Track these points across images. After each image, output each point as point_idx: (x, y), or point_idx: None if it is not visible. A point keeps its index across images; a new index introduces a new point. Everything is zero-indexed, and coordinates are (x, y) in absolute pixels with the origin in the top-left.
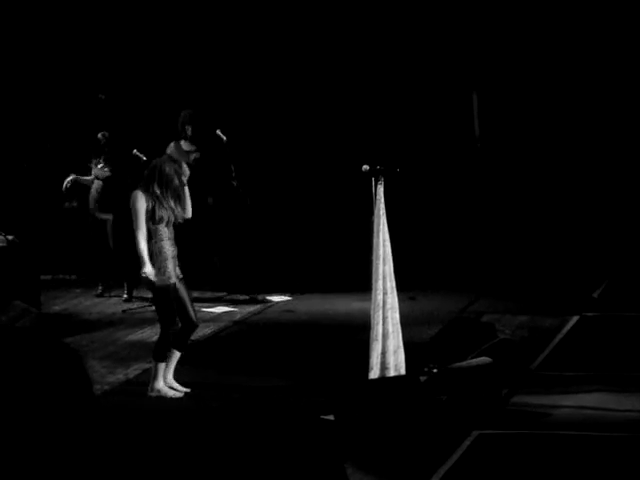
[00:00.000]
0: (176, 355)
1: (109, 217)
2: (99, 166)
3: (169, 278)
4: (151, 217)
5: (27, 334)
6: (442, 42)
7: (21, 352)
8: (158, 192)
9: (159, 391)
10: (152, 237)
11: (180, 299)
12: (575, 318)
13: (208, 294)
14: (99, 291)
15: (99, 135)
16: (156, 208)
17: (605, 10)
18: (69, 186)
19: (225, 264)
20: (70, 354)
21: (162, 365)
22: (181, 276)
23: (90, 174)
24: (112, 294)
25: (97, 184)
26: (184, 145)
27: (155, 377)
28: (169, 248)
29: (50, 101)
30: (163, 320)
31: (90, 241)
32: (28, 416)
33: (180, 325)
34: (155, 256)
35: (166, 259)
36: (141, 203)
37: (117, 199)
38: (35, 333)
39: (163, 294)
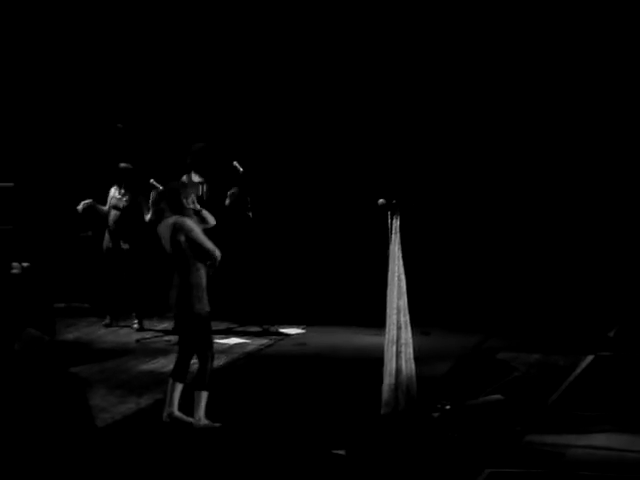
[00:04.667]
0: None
1: (126, 246)
2: (118, 196)
3: (207, 305)
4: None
5: (30, 360)
6: (449, 69)
7: (22, 379)
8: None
9: (203, 419)
10: (192, 268)
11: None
12: (590, 357)
13: (222, 325)
14: (107, 321)
15: (122, 165)
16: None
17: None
18: (85, 207)
19: (239, 295)
20: (72, 382)
21: (207, 394)
22: None
23: (106, 203)
24: (121, 324)
25: (114, 214)
26: (194, 177)
27: (201, 407)
28: (204, 278)
29: (67, 130)
30: (204, 347)
31: (102, 271)
32: (25, 442)
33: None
34: (196, 286)
35: (204, 289)
36: (192, 222)
37: (135, 229)
38: (38, 360)
39: (204, 322)
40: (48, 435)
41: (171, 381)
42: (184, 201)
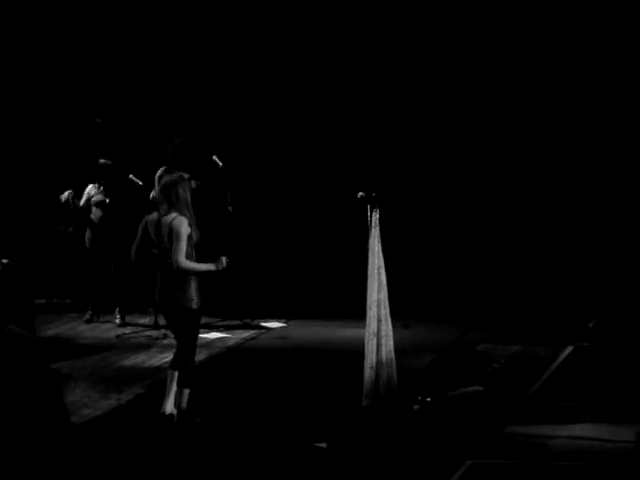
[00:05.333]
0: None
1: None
2: (99, 194)
3: (200, 301)
4: (190, 241)
5: (10, 357)
6: (436, 64)
7: (2, 375)
8: (190, 213)
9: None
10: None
11: None
12: (570, 348)
13: (202, 319)
14: (88, 317)
15: (101, 161)
16: (192, 231)
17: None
18: (67, 198)
19: (219, 289)
20: (50, 378)
21: (188, 391)
22: None
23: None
24: (101, 319)
25: (97, 211)
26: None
27: (184, 403)
28: (198, 275)
29: (46, 125)
30: (193, 344)
31: (86, 267)
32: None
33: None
34: (194, 281)
35: (197, 284)
36: (186, 228)
37: (116, 225)
38: (18, 356)
39: (198, 318)
40: (24, 430)
41: (170, 372)
42: (183, 196)
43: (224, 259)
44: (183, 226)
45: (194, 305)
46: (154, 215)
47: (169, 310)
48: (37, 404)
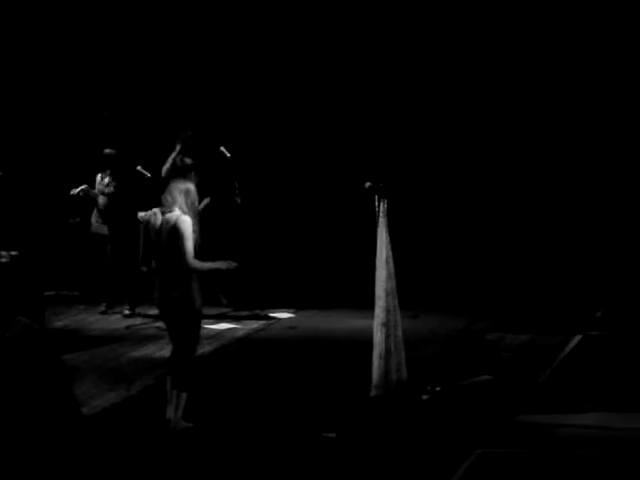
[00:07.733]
0: None
1: (104, 231)
2: (105, 182)
3: (201, 300)
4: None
5: (20, 348)
6: (440, 54)
7: (12, 366)
8: (195, 218)
9: (186, 424)
10: None
11: None
12: (578, 337)
13: (211, 310)
14: (103, 308)
15: (107, 151)
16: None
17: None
18: (81, 194)
19: (228, 280)
20: (60, 370)
21: (186, 395)
22: None
23: (94, 188)
24: (115, 311)
25: (103, 199)
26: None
27: (181, 409)
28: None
29: (54, 118)
30: (193, 345)
31: (92, 257)
32: (12, 428)
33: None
34: (196, 282)
35: (198, 284)
36: (191, 227)
37: (120, 215)
38: (28, 347)
39: (199, 318)
40: (35, 422)
41: (169, 377)
42: (191, 200)
43: (233, 263)
44: (188, 225)
45: (197, 305)
46: (152, 212)
47: (171, 313)
48: (47, 395)
